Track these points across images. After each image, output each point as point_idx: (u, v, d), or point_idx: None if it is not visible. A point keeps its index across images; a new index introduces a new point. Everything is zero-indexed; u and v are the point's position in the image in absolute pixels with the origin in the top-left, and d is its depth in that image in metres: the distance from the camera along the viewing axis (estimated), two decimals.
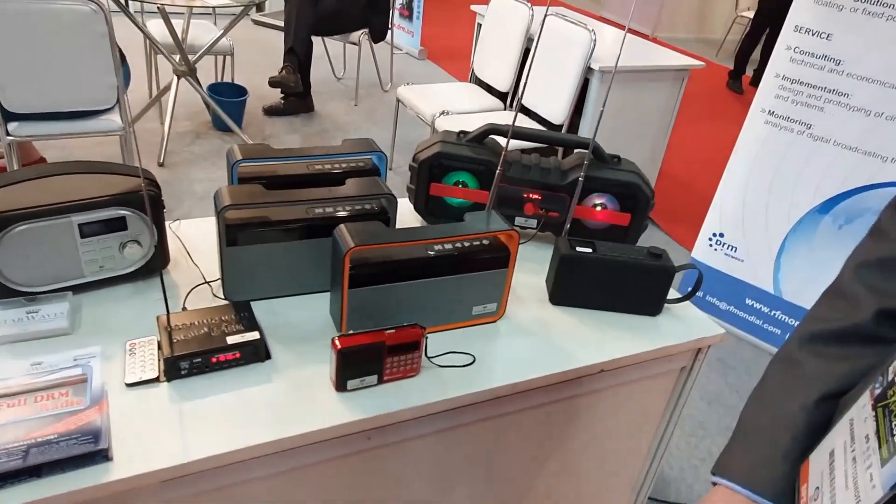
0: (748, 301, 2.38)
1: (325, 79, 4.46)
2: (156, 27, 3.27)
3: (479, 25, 3.32)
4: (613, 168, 1.23)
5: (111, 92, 2.34)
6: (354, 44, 4.01)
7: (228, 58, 3.67)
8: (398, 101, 3.17)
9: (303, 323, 1.00)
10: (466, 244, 1.00)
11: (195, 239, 1.16)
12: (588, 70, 2.65)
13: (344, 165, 1.18)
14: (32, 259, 0.93)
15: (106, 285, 1.02)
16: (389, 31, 4.18)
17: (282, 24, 3.67)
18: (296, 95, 3.78)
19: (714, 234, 2.38)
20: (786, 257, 2.25)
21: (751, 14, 5.66)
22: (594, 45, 2.57)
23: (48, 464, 0.73)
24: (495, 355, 0.99)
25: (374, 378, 0.90)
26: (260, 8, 5.25)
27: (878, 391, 0.55)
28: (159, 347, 0.90)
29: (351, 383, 0.88)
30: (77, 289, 0.98)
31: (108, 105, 2.36)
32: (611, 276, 1.09)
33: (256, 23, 5.45)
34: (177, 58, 3.21)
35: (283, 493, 0.89)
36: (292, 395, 0.87)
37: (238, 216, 0.97)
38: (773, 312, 2.33)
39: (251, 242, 0.98)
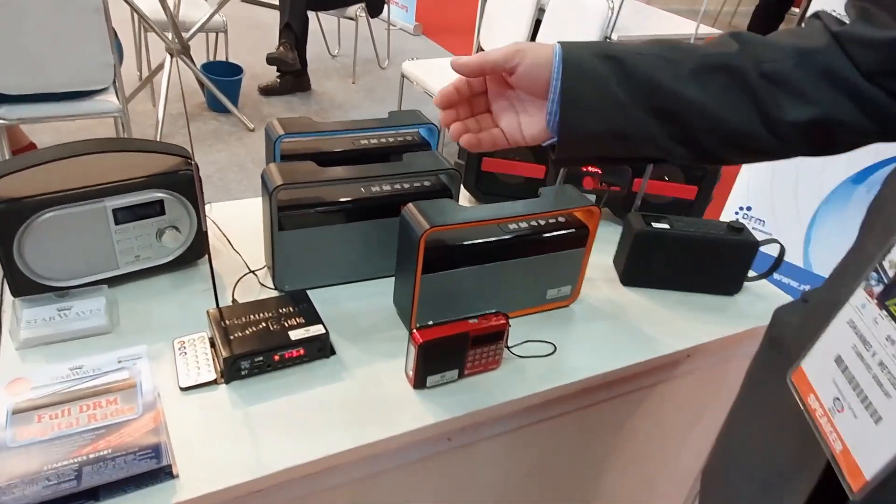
0: (776, 276, 2.32)
1: (320, 56, 4.31)
2: (144, 3, 3.10)
3: None
4: None
5: (107, 71, 2.20)
6: (350, 19, 3.86)
7: (221, 36, 3.51)
8: (402, 76, 3.05)
9: (363, 313, 0.91)
10: (542, 222, 0.91)
11: (229, 224, 1.06)
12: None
13: (391, 140, 1.08)
14: (62, 249, 0.83)
15: (141, 277, 0.91)
16: (385, 6, 4.03)
17: (268, 0, 3.52)
18: (292, 73, 3.64)
19: (741, 208, 2.31)
20: (816, 229, 2.19)
21: None
22: (613, 14, 2.47)
23: (105, 485, 0.64)
24: (575, 343, 0.91)
25: (454, 373, 0.81)
26: None
27: (877, 289, 0.48)
28: (212, 345, 0.81)
29: (430, 380, 0.79)
30: (111, 282, 0.88)
31: (105, 85, 2.22)
32: (689, 253, 1.01)
33: (244, 0, 5.26)
34: (169, 35, 3.05)
35: (359, 501, 0.80)
36: (366, 394, 0.78)
37: (290, 197, 0.87)
38: (802, 287, 2.27)
39: (305, 226, 0.88)
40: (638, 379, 0.95)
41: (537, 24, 2.82)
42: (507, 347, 0.86)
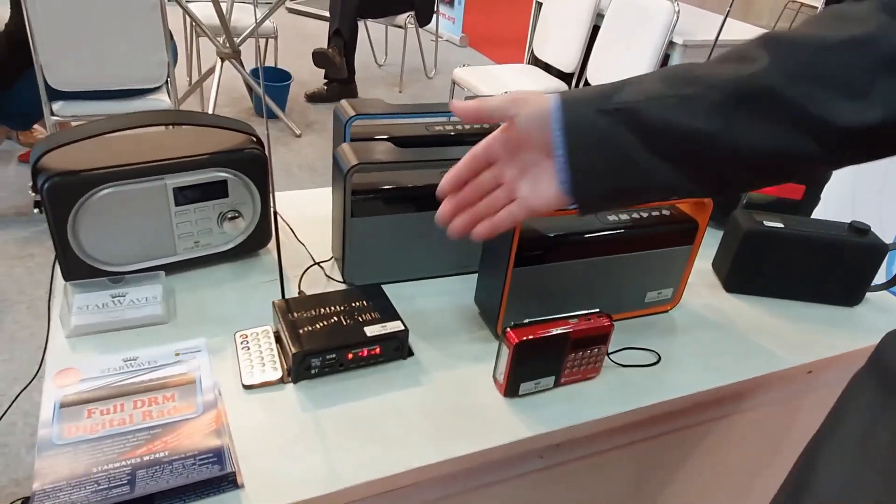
0: None
1: (367, 65, 4.28)
2: (197, 8, 3.11)
3: (539, 4, 3.12)
4: None
5: (161, 69, 2.18)
6: (399, 27, 3.83)
7: (271, 42, 3.51)
8: (453, 83, 2.98)
9: (440, 311, 0.82)
10: (646, 214, 0.80)
11: (291, 214, 0.98)
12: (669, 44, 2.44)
13: (467, 126, 0.99)
14: (119, 231, 0.76)
15: (199, 265, 0.84)
16: (434, 16, 3.99)
17: (316, 12, 3.51)
18: (339, 81, 3.61)
19: None
20: None
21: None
22: (677, 17, 2.36)
23: (161, 493, 0.55)
24: (680, 353, 0.80)
25: (550, 380, 0.71)
26: None
27: None
28: (277, 340, 0.72)
29: (524, 387, 0.69)
30: (168, 269, 0.80)
31: (159, 83, 2.20)
32: (805, 257, 0.89)
33: (291, 11, 5.30)
34: (221, 40, 3.05)
35: None
36: (449, 401, 0.69)
37: (365, 181, 0.79)
38: None
39: (380, 213, 0.80)
40: (751, 396, 0.83)
41: (595, 29, 2.73)
42: (608, 354, 0.76)
